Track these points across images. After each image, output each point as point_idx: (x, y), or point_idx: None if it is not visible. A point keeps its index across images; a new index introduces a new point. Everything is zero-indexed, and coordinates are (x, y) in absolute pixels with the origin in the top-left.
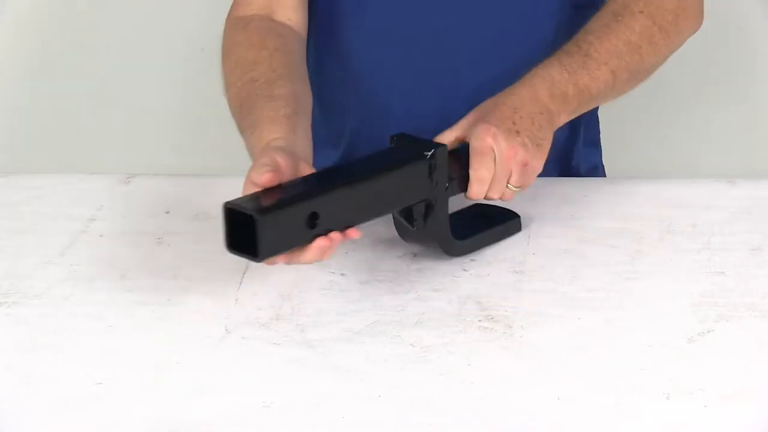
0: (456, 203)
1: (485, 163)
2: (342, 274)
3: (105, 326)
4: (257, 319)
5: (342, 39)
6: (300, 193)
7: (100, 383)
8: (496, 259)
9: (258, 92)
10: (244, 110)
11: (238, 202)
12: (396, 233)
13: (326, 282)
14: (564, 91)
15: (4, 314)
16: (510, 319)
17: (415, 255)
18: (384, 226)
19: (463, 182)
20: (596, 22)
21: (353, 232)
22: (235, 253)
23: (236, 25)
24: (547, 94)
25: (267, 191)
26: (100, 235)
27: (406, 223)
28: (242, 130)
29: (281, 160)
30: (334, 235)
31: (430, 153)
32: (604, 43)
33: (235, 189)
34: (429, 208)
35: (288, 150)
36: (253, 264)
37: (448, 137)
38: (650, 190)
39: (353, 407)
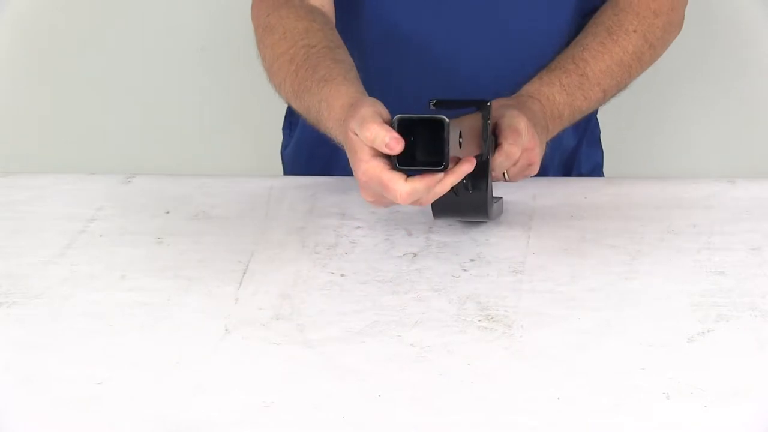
0: None
1: (517, 140)
2: (342, 275)
3: (105, 326)
4: (257, 319)
5: (359, 42)
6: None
7: (100, 383)
8: (496, 259)
9: (320, 55)
10: (303, 71)
11: (411, 115)
12: (395, 233)
13: (326, 282)
14: (561, 112)
15: (4, 314)
16: (510, 319)
17: (415, 255)
18: (383, 226)
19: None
20: (591, 39)
21: (472, 159)
22: (405, 170)
23: (273, 4)
24: (548, 114)
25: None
26: (100, 235)
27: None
28: (303, 89)
29: (382, 110)
30: (471, 159)
31: (489, 102)
32: (599, 63)
33: (236, 189)
34: (477, 168)
35: (380, 104)
36: (253, 264)
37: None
38: (650, 190)
39: (353, 407)
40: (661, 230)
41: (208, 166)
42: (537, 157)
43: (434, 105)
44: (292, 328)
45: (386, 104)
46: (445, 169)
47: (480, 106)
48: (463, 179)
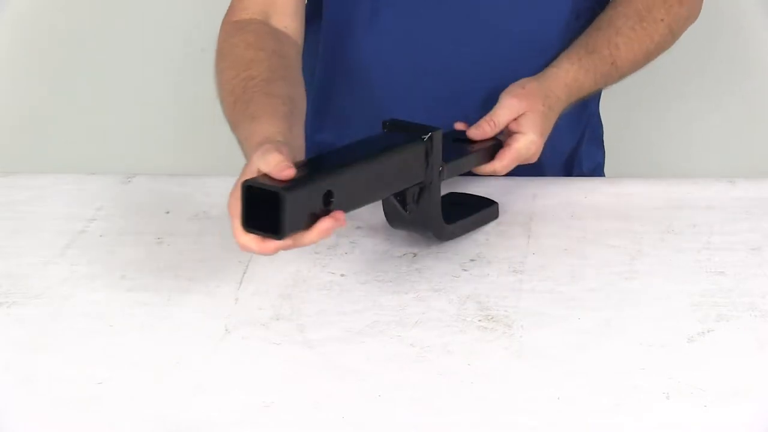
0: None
1: (511, 166)
2: (342, 274)
3: (105, 326)
4: (257, 319)
5: (354, 49)
6: (318, 171)
7: (100, 383)
8: (496, 259)
9: (255, 89)
10: (239, 105)
11: (260, 181)
12: (395, 233)
13: (326, 282)
14: (581, 98)
15: (4, 314)
16: (510, 319)
17: (415, 255)
18: (383, 226)
19: (482, 156)
20: (623, 21)
21: (340, 215)
22: (252, 232)
23: (233, 27)
24: (574, 99)
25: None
26: (100, 235)
27: (399, 207)
28: (236, 123)
29: (284, 150)
30: (339, 214)
31: (426, 136)
32: (628, 53)
33: None
34: (423, 190)
35: (287, 146)
36: (253, 264)
37: (504, 117)
38: (650, 190)
39: (353, 407)
40: (661, 230)
41: (208, 166)
42: (535, 158)
43: (386, 129)
44: (292, 328)
45: (390, 113)
46: (282, 238)
47: (426, 132)
48: (411, 193)
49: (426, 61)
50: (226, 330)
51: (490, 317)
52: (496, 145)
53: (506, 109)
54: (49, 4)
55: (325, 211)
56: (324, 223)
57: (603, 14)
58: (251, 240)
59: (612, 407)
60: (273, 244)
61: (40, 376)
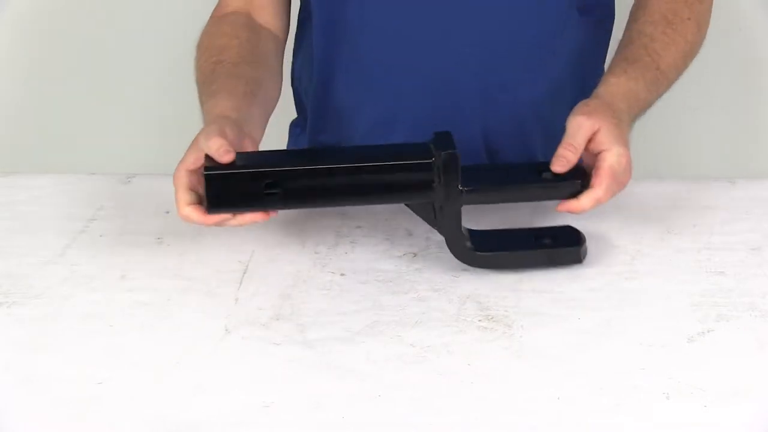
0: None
1: (612, 188)
2: (342, 274)
3: (105, 326)
4: (257, 319)
5: (348, 48)
6: (265, 161)
7: (100, 383)
8: None
9: (222, 71)
10: (205, 85)
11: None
12: (395, 233)
13: (326, 282)
14: (642, 109)
15: (4, 314)
16: (510, 319)
17: (415, 255)
18: (383, 226)
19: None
20: (652, 28)
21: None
22: (213, 212)
23: (214, 21)
24: (635, 110)
25: (242, 156)
26: (100, 235)
27: (432, 217)
28: (201, 102)
29: (228, 131)
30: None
31: (435, 158)
32: (668, 56)
33: None
34: (440, 209)
35: (238, 123)
36: (253, 264)
37: (580, 137)
38: (650, 190)
39: (353, 407)
40: (661, 230)
41: None
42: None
43: (432, 142)
44: (292, 328)
45: (389, 108)
46: (209, 212)
47: (443, 153)
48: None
49: (418, 55)
50: (226, 330)
51: (490, 317)
52: (579, 173)
53: (579, 129)
54: (49, 4)
55: (270, 198)
56: (249, 216)
57: (628, 29)
58: (192, 210)
59: (612, 407)
60: (212, 217)
61: (40, 376)
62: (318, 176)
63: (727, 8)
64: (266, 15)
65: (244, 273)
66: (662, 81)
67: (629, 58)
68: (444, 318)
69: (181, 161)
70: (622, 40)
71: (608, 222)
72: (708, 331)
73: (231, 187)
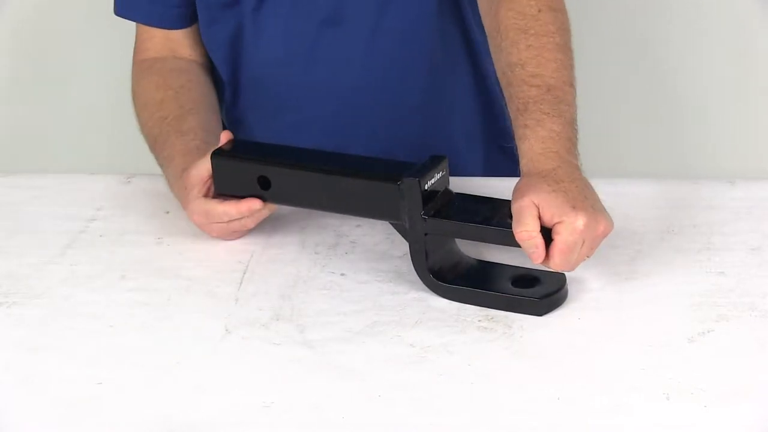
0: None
1: (570, 259)
2: (342, 274)
3: (105, 326)
4: (257, 319)
5: (247, 67)
6: (263, 156)
7: (100, 383)
8: (496, 260)
9: (168, 129)
10: (158, 147)
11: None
12: (395, 233)
13: (326, 282)
14: (572, 130)
15: (4, 314)
16: (510, 319)
17: None
18: (383, 226)
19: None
20: (515, 50)
21: (256, 204)
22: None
23: (141, 68)
24: (567, 146)
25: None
26: (100, 235)
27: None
28: (160, 165)
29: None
30: (255, 204)
31: (399, 182)
32: (548, 68)
33: None
34: (408, 231)
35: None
36: (253, 264)
37: (528, 220)
38: (650, 190)
39: (353, 407)
40: (661, 230)
41: None
42: (607, 226)
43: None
44: (292, 328)
45: (274, 132)
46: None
47: (404, 180)
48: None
49: (306, 73)
50: (226, 330)
51: (490, 317)
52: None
53: (521, 213)
54: (49, 4)
55: (265, 196)
56: (248, 202)
57: (497, 62)
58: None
59: (612, 407)
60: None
61: (40, 376)
62: (300, 177)
63: (727, 8)
64: (186, 48)
65: (244, 273)
66: (561, 90)
67: (520, 107)
68: (444, 318)
69: (187, 202)
70: (501, 82)
71: None
72: (708, 332)
73: (230, 174)
